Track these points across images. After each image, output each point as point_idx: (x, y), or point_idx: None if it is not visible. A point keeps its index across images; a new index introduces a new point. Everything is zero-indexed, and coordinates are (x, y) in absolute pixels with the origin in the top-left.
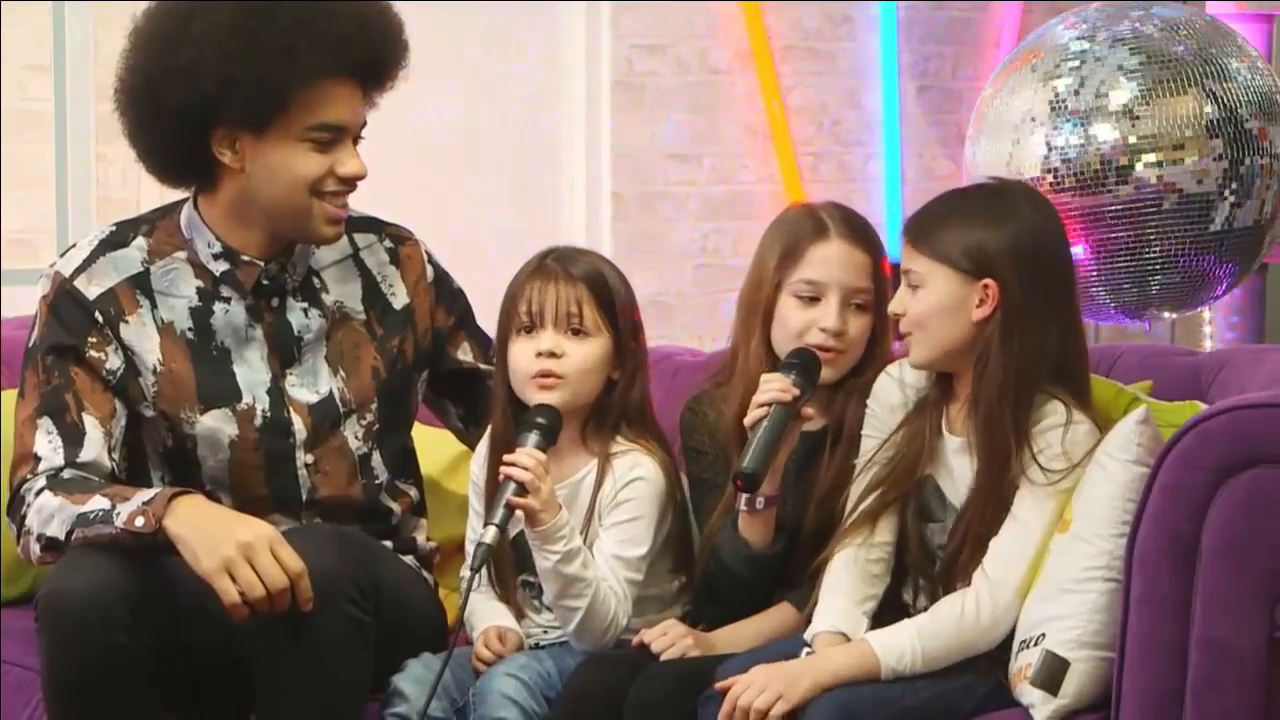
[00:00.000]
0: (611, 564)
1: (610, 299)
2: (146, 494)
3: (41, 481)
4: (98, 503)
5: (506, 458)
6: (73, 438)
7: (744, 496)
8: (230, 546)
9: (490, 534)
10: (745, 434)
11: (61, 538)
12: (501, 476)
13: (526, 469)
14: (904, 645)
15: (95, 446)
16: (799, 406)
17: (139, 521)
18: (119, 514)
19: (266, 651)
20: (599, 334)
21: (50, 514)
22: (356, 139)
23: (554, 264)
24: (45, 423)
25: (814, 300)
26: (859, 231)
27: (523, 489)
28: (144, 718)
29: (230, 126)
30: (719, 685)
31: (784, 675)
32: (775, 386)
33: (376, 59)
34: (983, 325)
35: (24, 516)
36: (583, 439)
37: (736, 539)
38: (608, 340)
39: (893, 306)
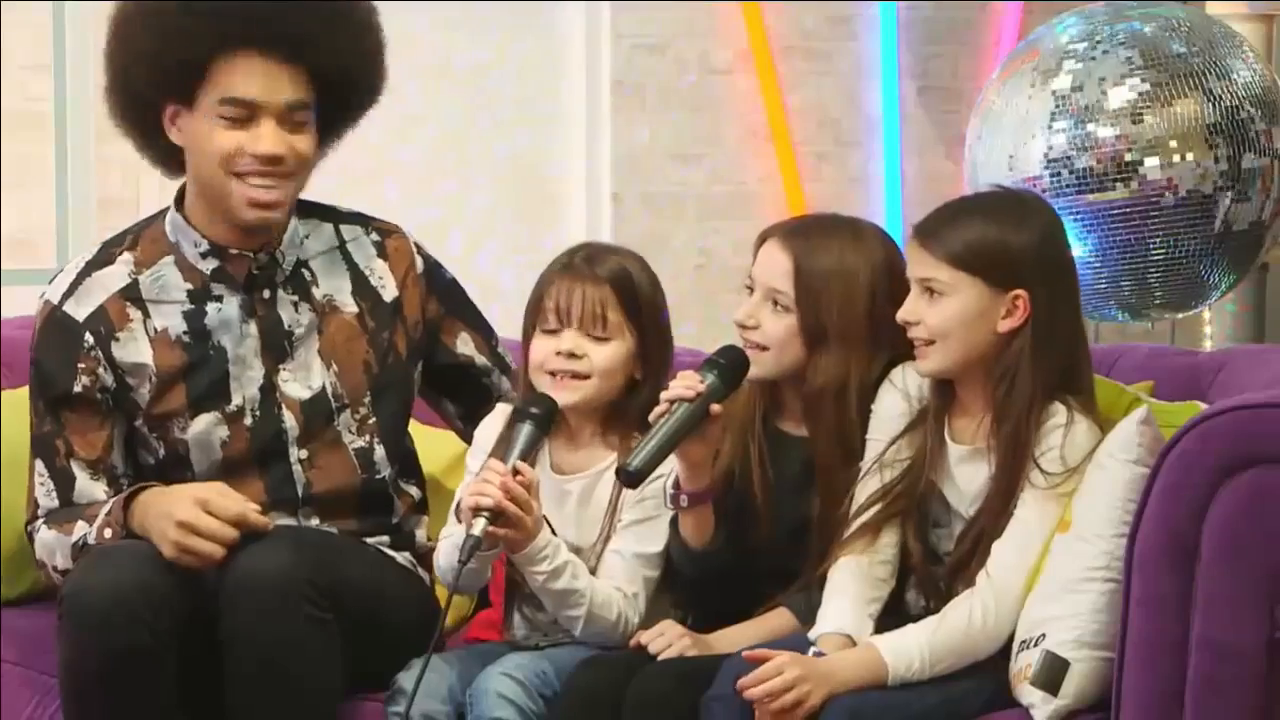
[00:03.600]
0: (631, 562)
1: (636, 300)
2: (106, 506)
3: (41, 521)
4: (80, 529)
5: (473, 489)
6: (63, 482)
7: (670, 495)
8: (172, 531)
9: (479, 526)
10: (743, 434)
11: (72, 568)
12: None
13: (491, 495)
14: (913, 654)
15: (87, 489)
16: (707, 404)
17: (108, 534)
18: (91, 535)
19: (231, 660)
20: (621, 336)
21: (53, 548)
22: (290, 120)
23: (582, 263)
24: (39, 466)
25: (752, 293)
26: (793, 234)
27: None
28: (161, 718)
29: (169, 101)
30: (747, 655)
31: (808, 677)
32: (682, 383)
33: (290, 31)
34: (1008, 337)
35: (36, 553)
36: (602, 433)
37: (676, 537)
38: (630, 342)
39: (905, 314)
